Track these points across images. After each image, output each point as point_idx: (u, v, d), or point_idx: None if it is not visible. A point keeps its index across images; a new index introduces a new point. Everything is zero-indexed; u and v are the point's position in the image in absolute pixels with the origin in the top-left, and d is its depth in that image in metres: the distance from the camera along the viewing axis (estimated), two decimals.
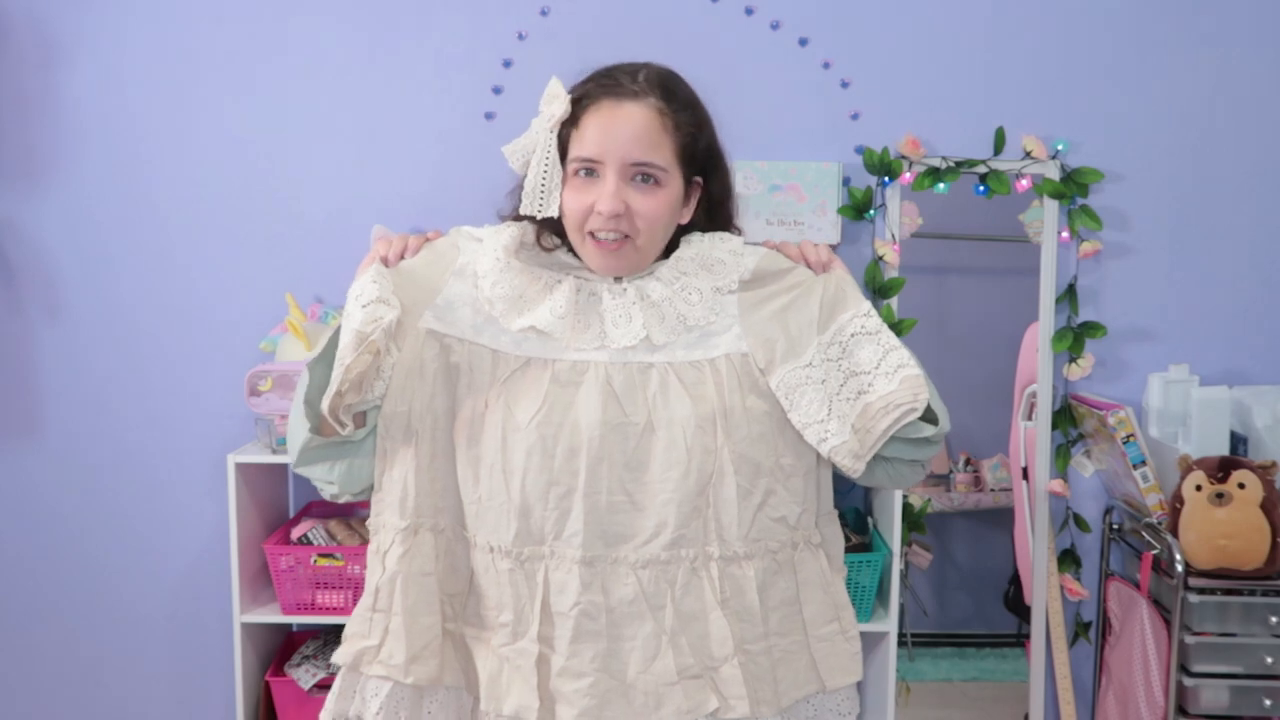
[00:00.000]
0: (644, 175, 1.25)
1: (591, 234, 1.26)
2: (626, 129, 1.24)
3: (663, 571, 1.25)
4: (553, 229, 1.32)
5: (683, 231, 1.34)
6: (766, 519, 1.28)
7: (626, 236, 1.26)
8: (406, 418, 1.27)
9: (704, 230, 1.35)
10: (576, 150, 1.25)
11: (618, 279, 1.30)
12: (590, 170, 1.25)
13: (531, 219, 1.30)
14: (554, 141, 1.25)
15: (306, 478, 1.33)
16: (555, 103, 1.26)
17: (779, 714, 1.30)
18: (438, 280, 1.30)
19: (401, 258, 1.32)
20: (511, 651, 1.26)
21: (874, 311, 1.30)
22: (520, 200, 1.29)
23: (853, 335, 1.28)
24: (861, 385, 1.26)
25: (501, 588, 1.27)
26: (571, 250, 1.32)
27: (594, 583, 1.24)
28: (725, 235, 1.35)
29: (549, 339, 1.27)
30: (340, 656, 1.31)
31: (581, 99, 1.26)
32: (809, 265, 1.34)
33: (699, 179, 1.33)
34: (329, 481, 1.32)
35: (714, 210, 1.36)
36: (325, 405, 1.22)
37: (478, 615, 1.30)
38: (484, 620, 1.30)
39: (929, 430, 1.26)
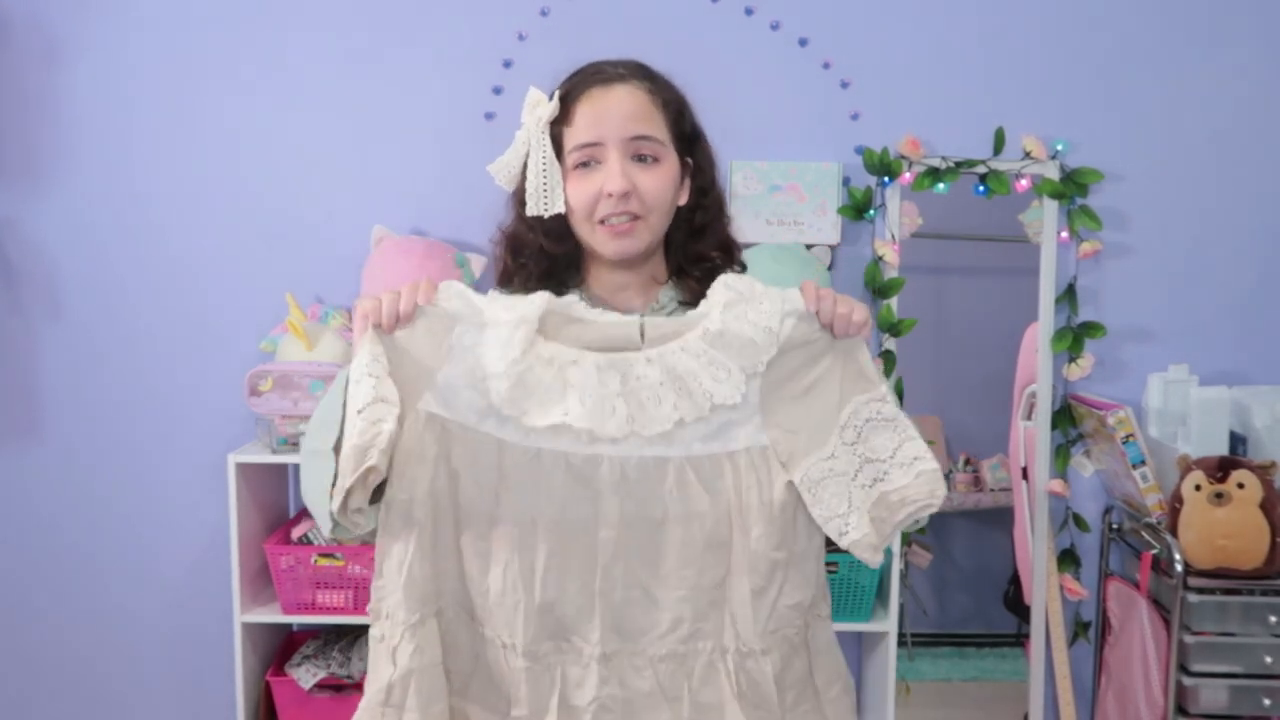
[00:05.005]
0: (644, 154, 1.26)
1: (601, 221, 1.26)
2: (621, 108, 1.25)
3: (680, 664, 1.23)
4: (555, 237, 1.30)
5: (681, 213, 1.32)
6: (783, 608, 1.25)
7: (637, 217, 1.26)
8: (408, 506, 1.21)
9: (697, 210, 1.33)
10: (574, 140, 1.25)
11: (643, 340, 1.22)
12: (591, 160, 1.25)
13: (550, 285, 1.27)
14: (548, 140, 1.25)
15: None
16: (540, 107, 1.26)
17: None
18: (436, 355, 1.20)
19: (397, 319, 1.21)
20: None
21: (890, 396, 1.26)
22: (518, 208, 1.29)
23: (868, 420, 1.23)
24: (877, 473, 1.22)
25: (516, 685, 1.24)
26: (569, 289, 1.30)
27: (611, 677, 1.22)
28: (762, 297, 1.22)
29: (565, 429, 1.19)
30: None
31: (568, 94, 1.26)
32: (828, 326, 1.23)
33: (689, 159, 1.33)
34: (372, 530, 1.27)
35: (705, 191, 1.35)
36: (331, 521, 1.19)
37: (484, 697, 1.27)
38: (493, 705, 1.27)
39: (928, 514, 1.24)
